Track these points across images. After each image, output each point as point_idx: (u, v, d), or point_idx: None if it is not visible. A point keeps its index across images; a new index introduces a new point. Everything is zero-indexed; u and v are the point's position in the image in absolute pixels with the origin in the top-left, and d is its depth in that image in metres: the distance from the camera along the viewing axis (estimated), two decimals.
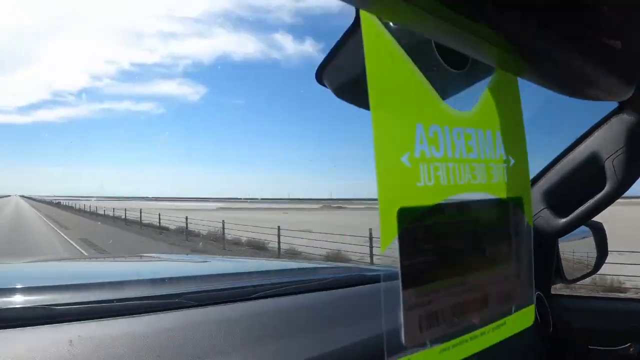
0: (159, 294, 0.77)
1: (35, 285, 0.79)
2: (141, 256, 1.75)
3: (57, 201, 50.15)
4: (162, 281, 0.92)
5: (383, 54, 0.34)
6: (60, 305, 0.66)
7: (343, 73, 0.52)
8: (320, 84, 0.55)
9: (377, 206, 0.33)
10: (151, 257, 1.71)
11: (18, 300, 0.69)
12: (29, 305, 0.66)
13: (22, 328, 0.59)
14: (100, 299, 0.70)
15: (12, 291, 0.72)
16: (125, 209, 23.34)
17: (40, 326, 0.60)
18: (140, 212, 20.42)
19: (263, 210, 50.51)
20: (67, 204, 42.74)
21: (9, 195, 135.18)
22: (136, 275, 1.05)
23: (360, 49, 0.33)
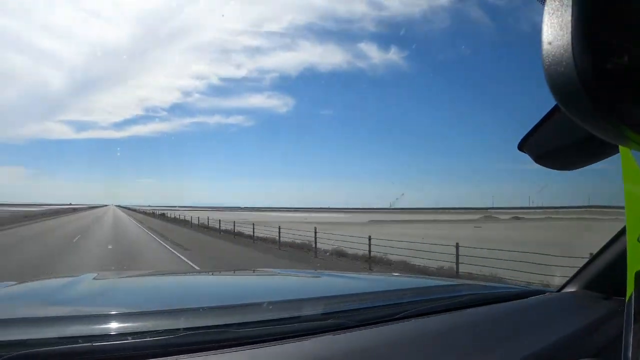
0: (327, 311, 0.80)
1: (217, 306, 0.89)
2: (259, 271, 1.90)
3: (161, 212, 50.90)
4: (329, 299, 0.98)
5: None
6: (241, 327, 0.69)
7: (544, 144, 0.70)
8: (521, 151, 0.72)
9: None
10: (273, 272, 1.83)
11: (207, 321, 0.71)
12: (218, 324, 0.69)
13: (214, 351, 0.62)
14: (273, 318, 0.74)
15: (198, 312, 0.79)
16: (234, 222, 20.42)
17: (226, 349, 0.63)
18: (253, 225, 17.16)
19: (425, 223, 38.29)
20: (165, 214, 42.39)
21: (107, 205, 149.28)
22: (286, 294, 1.18)
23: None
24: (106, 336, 0.66)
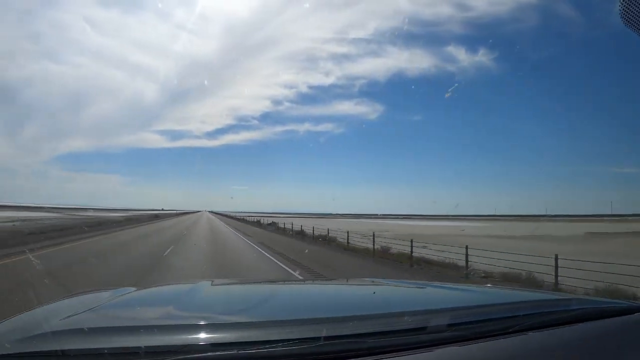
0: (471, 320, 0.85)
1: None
2: (364, 281, 1.83)
3: (254, 219, 50.91)
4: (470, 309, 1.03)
5: None
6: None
7: None
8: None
9: None
10: (380, 282, 1.77)
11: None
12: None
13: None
14: (401, 329, 0.77)
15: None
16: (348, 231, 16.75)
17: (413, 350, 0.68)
18: (384, 238, 12.23)
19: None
20: (260, 220, 41.02)
21: (200, 211, 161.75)
22: (405, 304, 1.27)
23: None
24: (254, 343, 0.69)
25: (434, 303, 1.26)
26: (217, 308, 1.16)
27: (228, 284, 1.75)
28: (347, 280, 2.06)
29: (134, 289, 1.29)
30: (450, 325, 0.80)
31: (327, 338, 0.69)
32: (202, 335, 0.72)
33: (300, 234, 23.91)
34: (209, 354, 0.65)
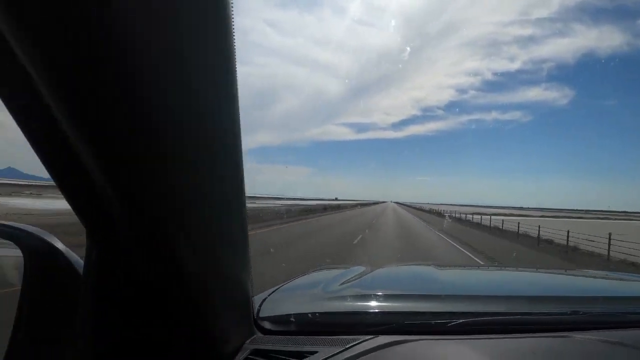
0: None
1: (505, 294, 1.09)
2: (532, 269, 1.97)
3: (439, 211, 49.45)
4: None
5: None
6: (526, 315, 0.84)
7: None
8: None
9: None
10: (553, 271, 1.96)
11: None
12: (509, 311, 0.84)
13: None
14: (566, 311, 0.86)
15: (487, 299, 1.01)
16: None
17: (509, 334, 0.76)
18: None
19: None
20: (461, 217, 38.71)
21: (385, 202, 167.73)
22: (554, 290, 1.30)
23: None
24: (494, 313, 0.83)
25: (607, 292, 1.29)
26: (458, 285, 1.35)
27: (451, 267, 1.98)
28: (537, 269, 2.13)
29: (363, 267, 1.38)
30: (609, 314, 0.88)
31: (531, 313, 0.84)
32: (466, 303, 0.91)
33: (528, 236, 20.53)
34: (494, 318, 0.81)
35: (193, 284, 0.58)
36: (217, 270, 0.61)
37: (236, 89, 0.54)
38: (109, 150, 0.45)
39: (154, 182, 0.48)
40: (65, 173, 0.52)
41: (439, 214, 43.68)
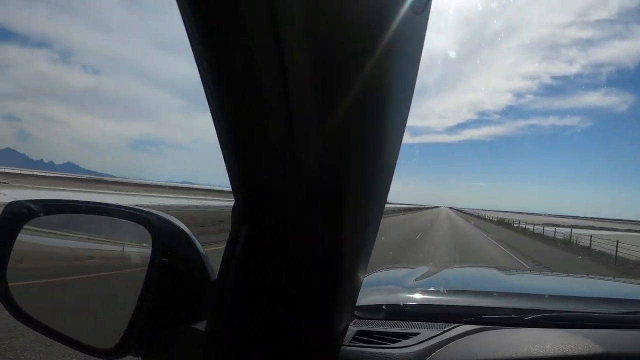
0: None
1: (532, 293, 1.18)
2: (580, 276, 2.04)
3: (501, 219, 46.76)
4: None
5: None
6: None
7: None
8: None
9: None
10: (601, 277, 1.92)
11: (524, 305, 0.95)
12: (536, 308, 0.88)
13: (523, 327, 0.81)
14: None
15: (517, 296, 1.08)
16: None
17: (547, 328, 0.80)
18: None
19: None
20: (527, 229, 35.92)
21: (439, 207, 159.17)
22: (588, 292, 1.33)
23: None
24: (536, 310, 0.87)
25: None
26: (525, 286, 1.46)
27: (513, 271, 2.00)
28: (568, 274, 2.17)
29: (426, 267, 1.45)
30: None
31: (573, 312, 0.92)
32: (537, 302, 1.02)
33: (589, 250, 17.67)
34: (557, 314, 0.87)
35: (331, 270, 0.60)
36: (351, 258, 0.63)
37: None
38: (313, 153, 0.48)
39: (330, 181, 0.51)
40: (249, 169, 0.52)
41: (503, 223, 40.95)
